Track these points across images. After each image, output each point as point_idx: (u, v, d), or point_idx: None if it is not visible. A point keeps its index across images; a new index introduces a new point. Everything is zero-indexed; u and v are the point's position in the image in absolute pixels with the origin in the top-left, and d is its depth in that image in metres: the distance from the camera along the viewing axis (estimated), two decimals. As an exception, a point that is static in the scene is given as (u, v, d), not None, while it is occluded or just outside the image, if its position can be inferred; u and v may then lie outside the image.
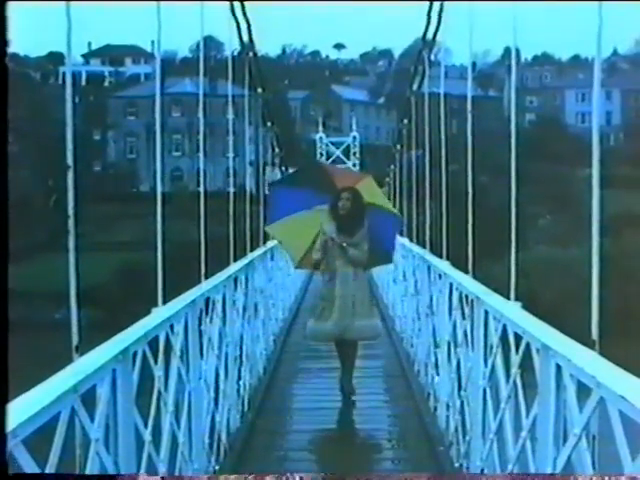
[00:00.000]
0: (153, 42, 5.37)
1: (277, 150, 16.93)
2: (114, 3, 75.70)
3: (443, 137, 7.90)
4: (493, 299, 4.77)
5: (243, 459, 5.99)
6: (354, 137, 51.60)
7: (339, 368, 7.76)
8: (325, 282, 7.49)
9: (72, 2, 3.42)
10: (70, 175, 3.46)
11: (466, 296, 5.71)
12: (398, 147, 17.14)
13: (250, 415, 7.28)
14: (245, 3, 7.96)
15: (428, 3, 7.67)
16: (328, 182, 7.70)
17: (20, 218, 39.74)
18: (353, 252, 7.27)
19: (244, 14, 8.16)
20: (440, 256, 7.72)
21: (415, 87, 11.33)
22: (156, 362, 4.09)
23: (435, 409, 7.13)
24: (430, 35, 8.54)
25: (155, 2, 4.73)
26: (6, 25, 2.50)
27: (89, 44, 73.48)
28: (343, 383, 7.66)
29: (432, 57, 9.41)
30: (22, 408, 2.41)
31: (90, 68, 70.93)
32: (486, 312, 4.78)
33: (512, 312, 4.28)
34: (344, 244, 7.24)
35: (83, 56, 72.09)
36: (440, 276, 7.26)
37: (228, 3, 7.53)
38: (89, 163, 53.16)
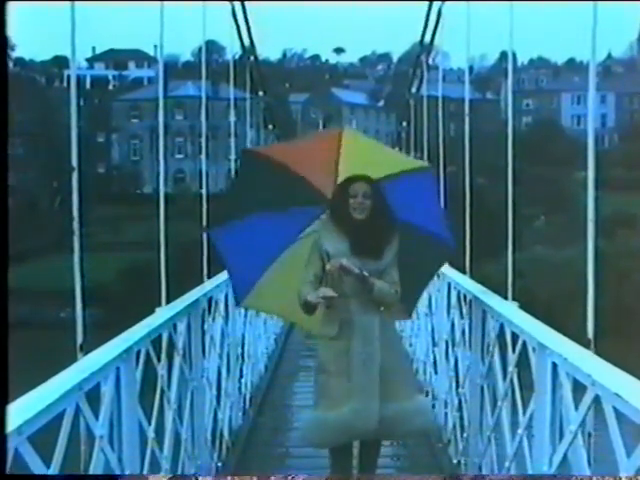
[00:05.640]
0: (156, 46, 5.45)
1: (279, 152, 16.89)
2: (117, 8, 76.00)
3: (441, 139, 7.94)
4: (491, 299, 4.81)
5: (245, 455, 6.04)
6: (354, 140, 51.69)
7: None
8: (328, 340, 4.10)
9: (77, 6, 3.46)
10: (75, 177, 3.50)
11: (464, 296, 5.75)
12: (397, 149, 17.20)
13: (252, 412, 7.34)
14: (246, 7, 8.02)
15: (426, 8, 7.71)
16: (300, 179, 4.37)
17: (28, 219, 39.85)
18: (381, 286, 4.02)
19: (245, 17, 8.22)
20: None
21: (414, 90, 11.43)
22: (159, 361, 4.13)
23: (433, 406, 7.13)
24: (428, 39, 8.60)
25: (158, 6, 4.80)
26: (6, 25, 2.50)
27: (93, 48, 73.59)
28: None
29: (430, 61, 9.49)
30: (28, 405, 2.41)
31: (94, 72, 71.04)
32: (484, 311, 4.82)
33: (509, 311, 4.31)
34: (365, 273, 3.99)
35: (87, 60, 72.17)
36: (438, 276, 7.24)
37: (230, 8, 7.60)
38: (93, 165, 53.07)
